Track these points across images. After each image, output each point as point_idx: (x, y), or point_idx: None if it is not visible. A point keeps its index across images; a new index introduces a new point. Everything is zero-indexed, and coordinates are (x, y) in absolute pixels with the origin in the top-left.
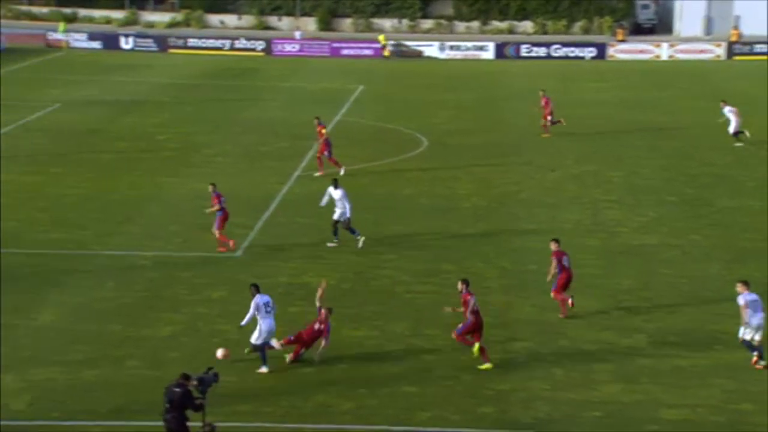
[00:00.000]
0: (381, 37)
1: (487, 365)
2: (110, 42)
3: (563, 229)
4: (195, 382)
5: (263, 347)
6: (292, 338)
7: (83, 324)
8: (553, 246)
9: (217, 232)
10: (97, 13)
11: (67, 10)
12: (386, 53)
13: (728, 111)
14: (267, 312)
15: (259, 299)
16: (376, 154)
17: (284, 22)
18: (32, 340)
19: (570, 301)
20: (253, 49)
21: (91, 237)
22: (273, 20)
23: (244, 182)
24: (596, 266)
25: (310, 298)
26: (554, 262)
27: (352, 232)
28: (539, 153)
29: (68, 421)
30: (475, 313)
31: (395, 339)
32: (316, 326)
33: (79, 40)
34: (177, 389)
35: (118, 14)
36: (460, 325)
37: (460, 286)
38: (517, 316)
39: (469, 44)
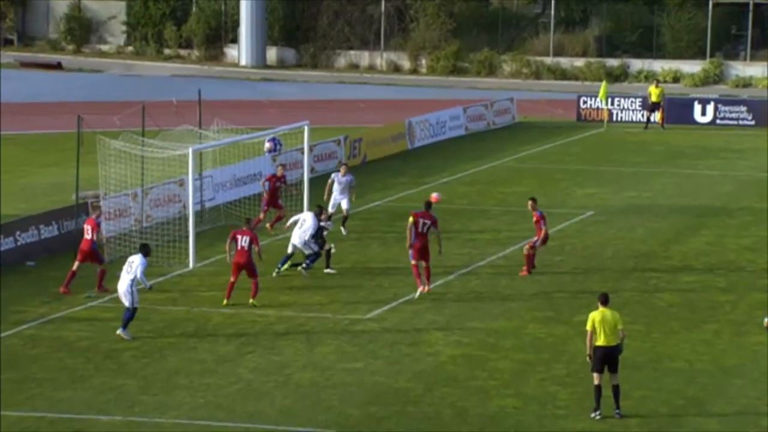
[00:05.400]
0: None
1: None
2: (677, 111)
3: None
4: None
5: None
6: None
7: None
8: None
9: None
10: (661, 65)
11: (614, 62)
12: None
13: None
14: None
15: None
16: None
17: None
18: None
19: None
20: None
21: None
22: None
23: None
24: None
25: None
26: None
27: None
28: None
29: None
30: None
31: None
32: None
33: (627, 109)
34: None
35: (693, 66)
36: None
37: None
38: None
39: None
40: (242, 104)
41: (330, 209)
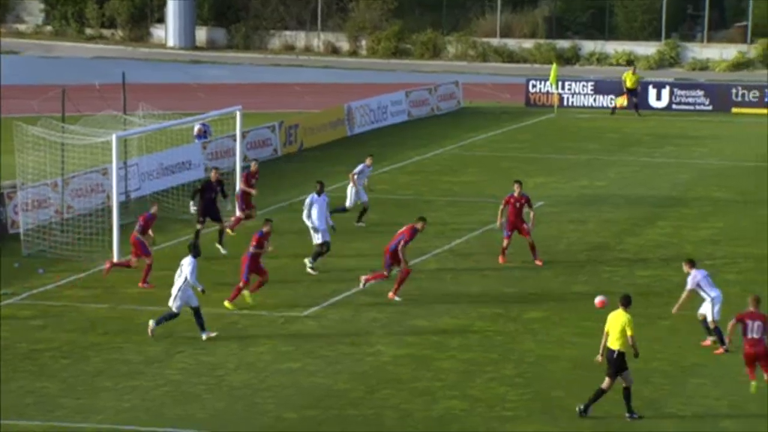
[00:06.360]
0: None
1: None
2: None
3: None
4: None
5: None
6: None
7: None
8: None
9: None
10: (614, 47)
11: (565, 43)
12: None
13: None
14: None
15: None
16: None
17: None
18: None
19: None
20: None
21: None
22: None
23: None
24: None
25: None
26: None
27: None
28: None
29: None
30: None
31: None
32: None
33: (578, 93)
34: None
35: (648, 48)
36: None
37: None
38: None
39: None
40: (170, 88)
41: (348, 204)
